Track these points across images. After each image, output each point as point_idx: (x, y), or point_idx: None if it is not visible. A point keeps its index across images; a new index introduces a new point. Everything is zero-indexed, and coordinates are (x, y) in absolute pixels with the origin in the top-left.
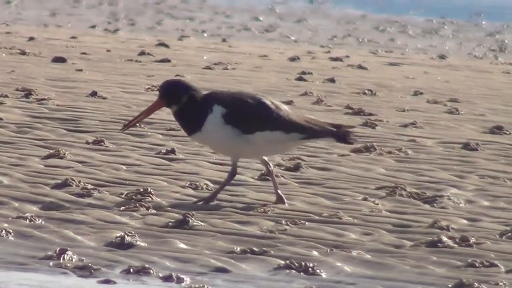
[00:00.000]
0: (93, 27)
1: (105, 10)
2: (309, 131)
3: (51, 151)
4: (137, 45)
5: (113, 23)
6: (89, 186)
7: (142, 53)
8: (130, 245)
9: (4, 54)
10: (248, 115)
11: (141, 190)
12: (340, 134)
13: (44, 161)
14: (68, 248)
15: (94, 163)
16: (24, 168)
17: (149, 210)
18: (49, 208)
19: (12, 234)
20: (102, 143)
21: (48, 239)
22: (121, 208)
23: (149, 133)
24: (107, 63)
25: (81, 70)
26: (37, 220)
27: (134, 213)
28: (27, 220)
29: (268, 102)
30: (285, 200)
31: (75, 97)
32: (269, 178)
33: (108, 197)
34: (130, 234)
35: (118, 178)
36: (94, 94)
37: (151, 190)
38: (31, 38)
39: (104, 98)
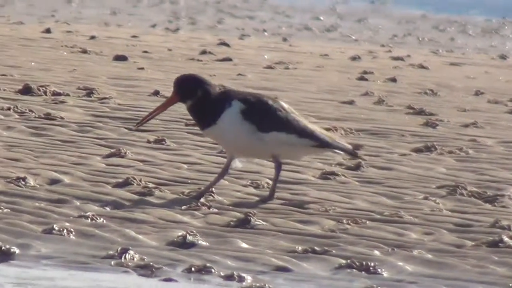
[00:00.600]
0: (154, 26)
1: (166, 9)
2: (321, 140)
3: (112, 150)
4: (198, 44)
5: (174, 22)
6: (151, 185)
7: (203, 52)
8: (192, 244)
9: (65, 53)
10: (266, 114)
11: (203, 188)
12: (351, 148)
13: (106, 160)
14: (130, 247)
15: (156, 162)
16: (85, 167)
17: (211, 209)
18: (111, 207)
19: (74, 233)
20: (163, 142)
21: (109, 238)
22: (183, 207)
23: None
24: (169, 62)
25: (142, 68)
26: (98, 219)
27: (196, 212)
28: (89, 219)
29: (286, 106)
30: (272, 198)
31: (137, 96)
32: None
33: (170, 196)
34: (191, 233)
35: (180, 177)
36: (156, 93)
37: (213, 189)
38: (92, 37)
39: (166, 97)
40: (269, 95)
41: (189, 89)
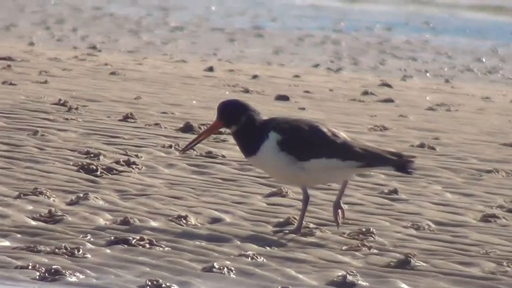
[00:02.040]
0: (316, 66)
1: (327, 49)
2: (367, 159)
3: (273, 189)
4: (360, 84)
5: (336, 62)
6: (311, 225)
7: (365, 93)
8: (352, 284)
9: (227, 92)
10: (303, 142)
11: (363, 229)
12: (400, 164)
13: (267, 199)
14: (290, 286)
15: (316, 202)
16: (246, 206)
17: (371, 250)
18: (271, 246)
19: (234, 271)
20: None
21: (269, 277)
22: (343, 248)
23: (372, 173)
24: (330, 102)
25: (304, 108)
26: (259, 258)
27: (356, 253)
28: (249, 258)
29: (325, 130)
30: (300, 231)
31: None
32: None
33: (330, 236)
34: (351, 273)
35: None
36: None
37: (373, 230)
38: (254, 76)
39: None
40: (312, 121)
41: (233, 114)
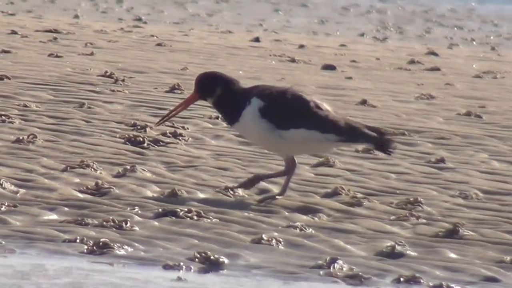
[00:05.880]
0: (362, 35)
1: (373, 18)
2: (347, 134)
3: (320, 159)
4: (406, 53)
5: (382, 31)
6: (359, 195)
7: (411, 62)
8: (401, 255)
9: (274, 62)
10: (284, 111)
11: (411, 199)
12: (380, 142)
13: (314, 170)
14: (339, 257)
15: (364, 172)
16: (294, 176)
17: (419, 220)
18: (320, 217)
19: (282, 243)
20: (372, 152)
21: (318, 248)
22: (392, 218)
23: (418, 141)
24: (377, 71)
25: (350, 78)
26: (307, 229)
27: (404, 223)
28: (297, 229)
29: (308, 100)
30: (285, 193)
31: (345, 105)
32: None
33: (378, 206)
34: (400, 244)
35: (388, 187)
36: (363, 102)
37: (421, 200)
38: (300, 46)
39: (374, 107)
40: (298, 90)
41: (207, 87)
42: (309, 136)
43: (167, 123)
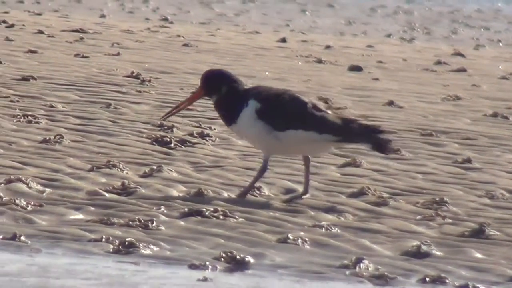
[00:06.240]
0: (389, 36)
1: (400, 19)
2: (344, 134)
3: (347, 159)
4: (432, 54)
5: (409, 32)
6: (385, 195)
7: (438, 63)
8: (426, 254)
9: (300, 63)
10: (281, 112)
11: (437, 199)
12: (378, 142)
13: (340, 170)
14: (364, 257)
15: (390, 172)
16: (320, 176)
17: (445, 220)
18: (346, 216)
19: (308, 242)
20: (398, 152)
21: (344, 248)
22: (418, 217)
23: (445, 142)
24: (403, 72)
25: (377, 79)
26: (333, 228)
27: (431, 222)
28: (323, 228)
29: (306, 101)
30: (308, 193)
31: (371, 106)
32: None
33: (404, 206)
34: (426, 243)
35: (414, 187)
36: (390, 103)
37: (447, 199)
38: (327, 47)
39: (401, 107)
40: (296, 92)
41: (214, 84)
42: (306, 137)
43: (193, 123)
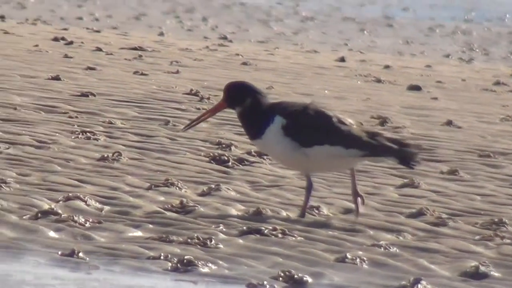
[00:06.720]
0: (447, 56)
1: (458, 39)
2: (370, 149)
3: (405, 180)
4: (491, 74)
5: (467, 52)
6: (444, 215)
7: (497, 83)
8: (484, 275)
9: (359, 82)
10: (308, 128)
11: (496, 220)
12: (404, 155)
13: (399, 191)
14: (422, 278)
15: (449, 193)
16: (379, 197)
17: (504, 240)
18: (404, 236)
19: (367, 262)
20: (457, 173)
21: (402, 267)
22: (476, 238)
23: (503, 164)
24: (462, 92)
25: (436, 98)
26: (391, 248)
27: (489, 243)
28: (382, 248)
29: (331, 115)
30: (359, 211)
31: (430, 125)
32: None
33: (463, 226)
34: (484, 264)
35: (473, 208)
36: (449, 123)
37: (506, 220)
38: (386, 66)
39: (459, 127)
40: (320, 106)
41: (238, 96)
42: (333, 152)
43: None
